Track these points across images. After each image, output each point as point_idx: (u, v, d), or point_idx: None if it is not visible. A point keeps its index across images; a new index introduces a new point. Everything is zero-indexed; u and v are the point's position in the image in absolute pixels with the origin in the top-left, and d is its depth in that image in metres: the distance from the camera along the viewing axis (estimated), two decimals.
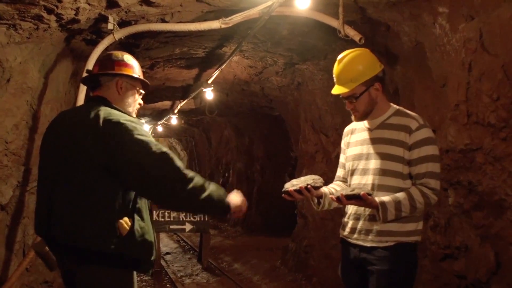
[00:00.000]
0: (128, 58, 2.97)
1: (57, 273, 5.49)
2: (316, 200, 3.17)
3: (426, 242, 4.43)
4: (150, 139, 2.64)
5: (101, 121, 2.64)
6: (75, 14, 4.12)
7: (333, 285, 6.98)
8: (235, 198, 2.89)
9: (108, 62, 2.93)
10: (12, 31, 4.04)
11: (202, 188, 2.66)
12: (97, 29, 4.86)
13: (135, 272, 2.77)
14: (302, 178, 3.07)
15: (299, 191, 2.99)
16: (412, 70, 4.96)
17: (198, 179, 2.66)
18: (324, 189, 3.11)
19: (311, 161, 8.37)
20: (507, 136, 3.60)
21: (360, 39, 4.42)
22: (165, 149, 2.65)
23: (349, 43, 4.84)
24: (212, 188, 2.72)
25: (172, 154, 2.64)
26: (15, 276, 4.48)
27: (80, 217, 2.57)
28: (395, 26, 4.83)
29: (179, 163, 2.64)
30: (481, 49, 3.75)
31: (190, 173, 2.65)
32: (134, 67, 2.97)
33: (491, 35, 3.64)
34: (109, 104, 2.83)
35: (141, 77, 3.02)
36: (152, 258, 2.75)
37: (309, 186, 2.98)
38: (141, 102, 3.07)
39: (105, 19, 4.53)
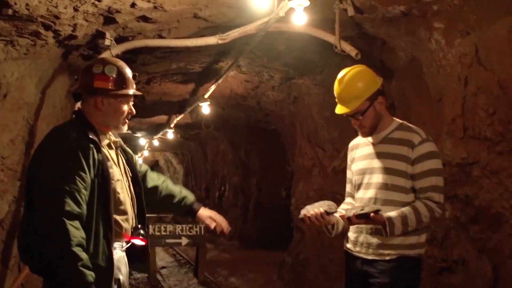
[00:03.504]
0: (110, 69, 2.72)
1: None
2: (330, 227, 3.18)
3: (423, 256, 4.43)
4: (58, 172, 2.52)
5: (42, 145, 2.67)
6: (73, 31, 4.13)
7: None
8: None
9: (87, 76, 2.73)
10: (9, 47, 4.05)
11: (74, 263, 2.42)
12: (94, 45, 4.87)
13: None
14: (316, 204, 3.08)
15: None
16: (408, 84, 4.99)
17: (76, 250, 2.43)
18: (336, 216, 3.13)
19: (307, 175, 8.37)
20: (503, 150, 3.61)
21: (356, 54, 4.45)
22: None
23: (346, 58, 4.88)
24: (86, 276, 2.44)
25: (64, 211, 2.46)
26: None
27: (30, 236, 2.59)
28: (391, 41, 4.87)
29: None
30: (477, 64, 3.77)
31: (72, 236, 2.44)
32: (116, 79, 2.72)
33: (487, 51, 3.67)
34: (82, 120, 2.74)
35: (128, 89, 2.77)
36: (100, 281, 2.54)
37: (322, 211, 2.99)
38: (133, 111, 2.85)
39: (102, 35, 4.54)
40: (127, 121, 2.87)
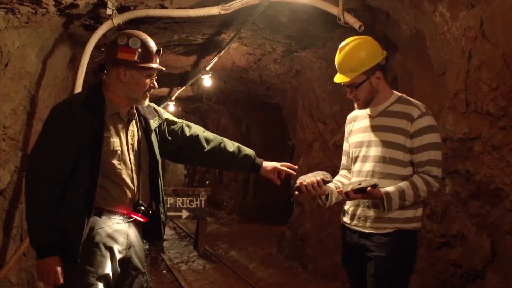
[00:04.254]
0: (135, 41, 2.79)
1: None
2: (324, 197, 3.18)
3: (422, 231, 4.45)
4: (46, 134, 2.73)
5: None
6: None
7: (329, 273, 7.02)
8: (53, 264, 2.67)
9: (111, 48, 2.82)
10: (10, 15, 4.00)
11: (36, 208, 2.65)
12: (96, 14, 4.82)
13: (103, 257, 2.75)
14: (310, 174, 3.08)
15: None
16: (411, 58, 4.96)
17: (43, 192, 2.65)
18: (330, 185, 3.13)
19: (308, 149, 8.38)
20: (505, 125, 3.60)
21: (359, 27, 4.41)
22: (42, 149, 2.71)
23: (349, 31, 4.82)
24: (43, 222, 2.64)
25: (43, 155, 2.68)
26: (12, 261, 4.48)
27: None
28: (395, 14, 4.82)
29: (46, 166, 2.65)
30: (481, 37, 3.74)
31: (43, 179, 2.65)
32: (140, 51, 2.78)
33: (491, 24, 3.63)
34: (95, 90, 2.85)
35: (152, 63, 2.83)
36: (69, 245, 2.66)
37: (318, 179, 2.99)
38: (155, 85, 2.91)
39: (104, 4, 4.50)
40: (148, 95, 2.92)
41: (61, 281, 2.66)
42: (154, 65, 2.85)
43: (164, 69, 3.01)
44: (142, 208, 2.87)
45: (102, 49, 2.92)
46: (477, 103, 3.85)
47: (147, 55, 2.82)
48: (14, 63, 4.44)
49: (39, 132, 2.79)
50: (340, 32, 5.75)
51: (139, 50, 2.79)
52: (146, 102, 2.94)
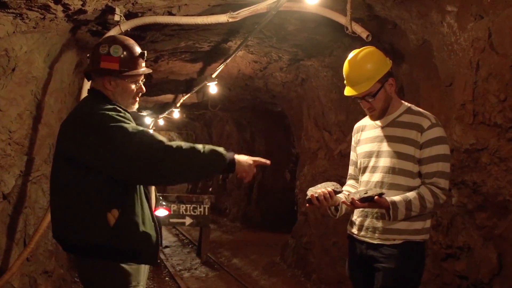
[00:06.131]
0: (116, 49, 2.68)
1: (57, 263, 5.51)
2: (333, 208, 3.16)
3: (428, 242, 4.42)
4: (126, 126, 2.52)
5: (78, 114, 2.68)
6: (82, 5, 4.10)
7: (333, 283, 6.98)
8: (242, 156, 2.68)
9: (95, 57, 2.72)
10: (18, 20, 4.02)
11: (190, 148, 2.52)
12: (104, 21, 4.84)
13: (139, 265, 2.70)
14: (319, 185, 3.05)
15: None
16: (418, 68, 4.94)
17: (183, 144, 2.52)
18: (340, 196, 3.10)
19: (313, 157, 8.36)
20: None
21: (367, 36, 4.40)
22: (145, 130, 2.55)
23: (356, 40, 4.84)
24: (205, 146, 2.56)
25: (150, 133, 2.55)
26: (15, 266, 4.48)
27: (67, 213, 2.58)
28: (402, 24, 4.82)
29: (160, 137, 2.53)
30: (489, 49, 3.73)
31: (173, 143, 2.53)
32: (122, 58, 2.69)
33: (500, 35, 3.62)
34: (101, 97, 2.74)
35: (136, 69, 2.74)
36: (151, 249, 2.66)
37: (330, 190, 2.96)
38: (142, 89, 2.83)
39: (112, 11, 4.52)
40: (137, 99, 2.87)
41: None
42: (140, 71, 2.77)
43: (151, 71, 2.93)
44: (163, 202, 2.89)
45: (88, 55, 2.87)
46: (485, 114, 3.83)
47: (130, 61, 2.72)
48: (21, 68, 4.45)
49: (87, 136, 2.53)
50: (346, 41, 5.75)
51: (121, 57, 2.69)
52: (136, 106, 2.89)
